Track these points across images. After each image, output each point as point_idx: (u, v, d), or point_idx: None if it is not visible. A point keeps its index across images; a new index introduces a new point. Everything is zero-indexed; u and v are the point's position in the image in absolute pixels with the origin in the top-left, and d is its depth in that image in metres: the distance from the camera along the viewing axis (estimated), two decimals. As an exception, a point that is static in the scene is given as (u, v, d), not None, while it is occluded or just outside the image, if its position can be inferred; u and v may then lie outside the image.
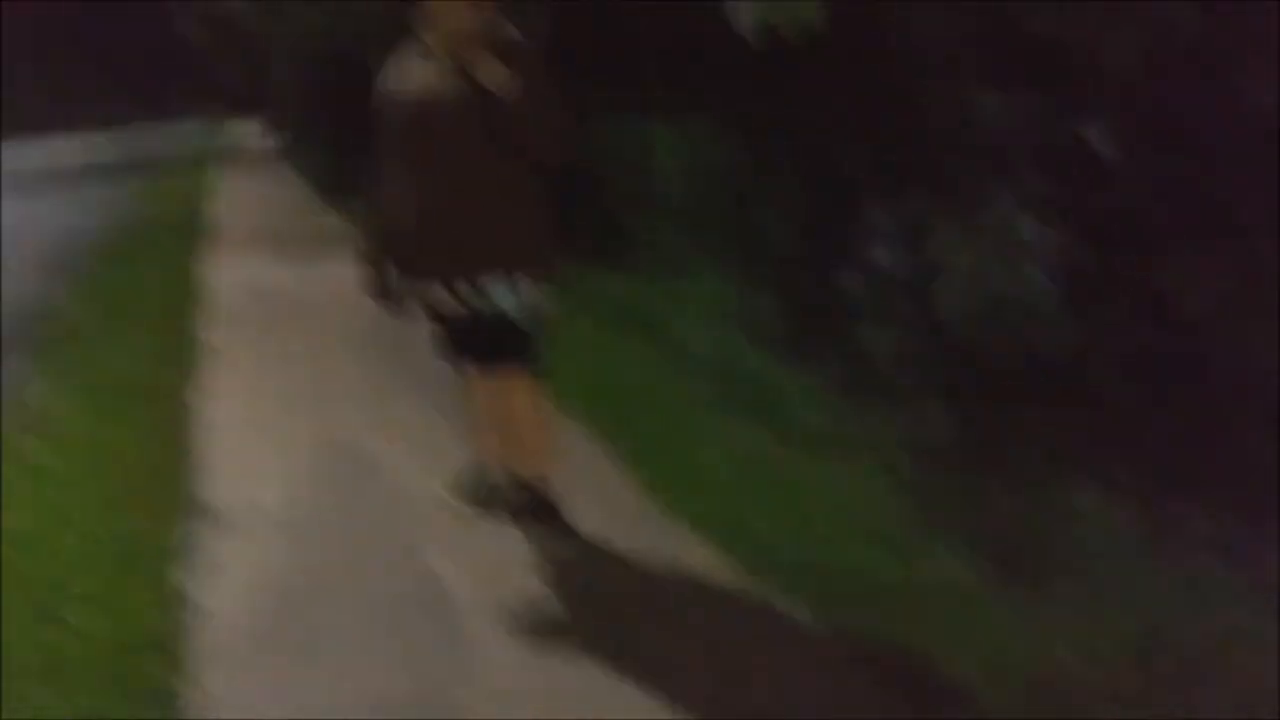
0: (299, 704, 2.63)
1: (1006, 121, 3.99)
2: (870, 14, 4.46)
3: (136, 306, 7.26)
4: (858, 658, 2.73)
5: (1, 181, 18.61)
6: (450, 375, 3.53)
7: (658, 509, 3.65)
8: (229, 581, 3.28)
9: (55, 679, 2.79)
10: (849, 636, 2.82)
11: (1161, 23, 3.32)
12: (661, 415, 4.65)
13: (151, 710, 2.64)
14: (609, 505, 3.66)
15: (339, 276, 6.46)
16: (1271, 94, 3.11)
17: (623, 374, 5.35)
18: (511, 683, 2.69)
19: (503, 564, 3.29)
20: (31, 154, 26.86)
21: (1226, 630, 2.72)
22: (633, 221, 6.80)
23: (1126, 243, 3.60)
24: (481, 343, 3.26)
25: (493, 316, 3.18)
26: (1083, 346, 3.68)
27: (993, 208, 3.97)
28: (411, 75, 3.19)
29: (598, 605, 3.04)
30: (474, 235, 3.14)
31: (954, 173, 4.22)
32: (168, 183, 17.88)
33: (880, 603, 2.97)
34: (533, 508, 3.45)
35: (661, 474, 3.91)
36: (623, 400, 4.85)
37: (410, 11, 3.19)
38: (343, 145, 12.77)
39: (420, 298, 3.31)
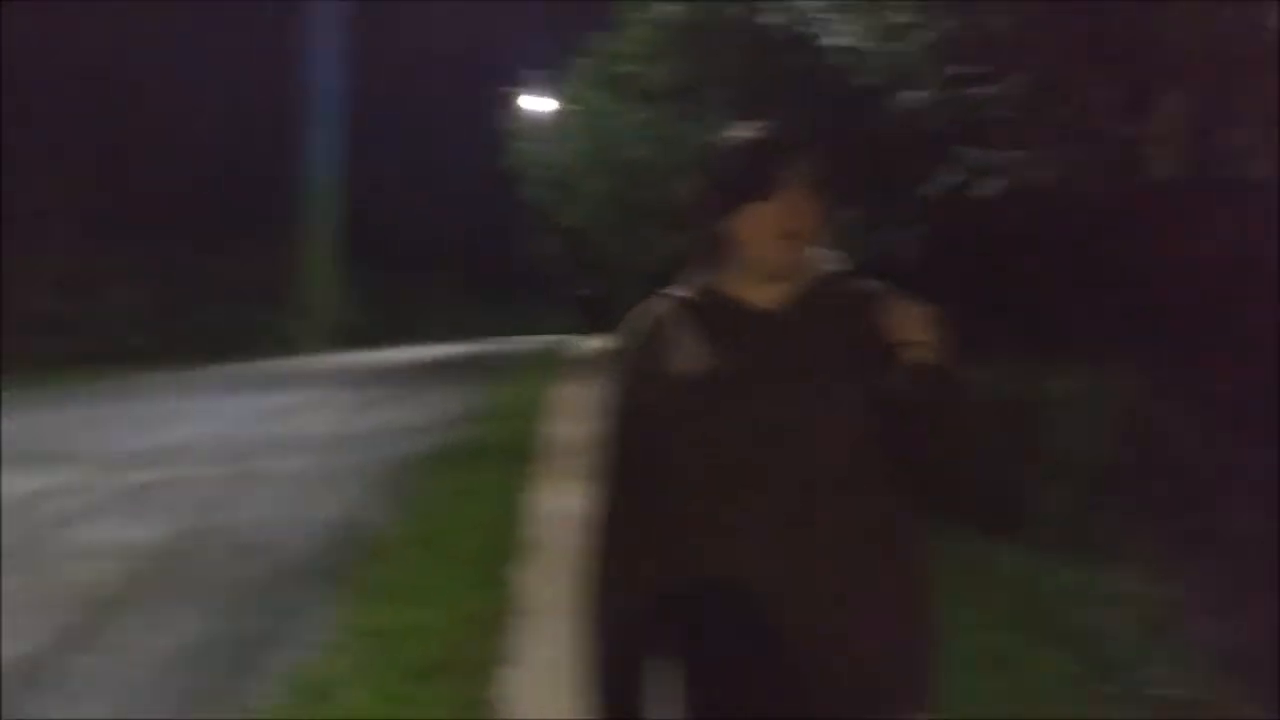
0: None
1: None
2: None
3: (453, 546, 6.64)
4: None
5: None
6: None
7: None
8: None
9: None
10: None
11: None
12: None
13: None
14: None
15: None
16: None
17: (1031, 697, 4.02)
18: None
19: None
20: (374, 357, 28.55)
21: None
22: (1033, 487, 5.57)
23: None
24: None
25: None
26: None
27: None
28: (718, 338, 1.84)
29: None
30: (842, 633, 1.71)
31: None
32: (509, 393, 18.10)
33: None
34: None
35: None
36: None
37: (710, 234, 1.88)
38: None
39: None
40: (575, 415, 13.51)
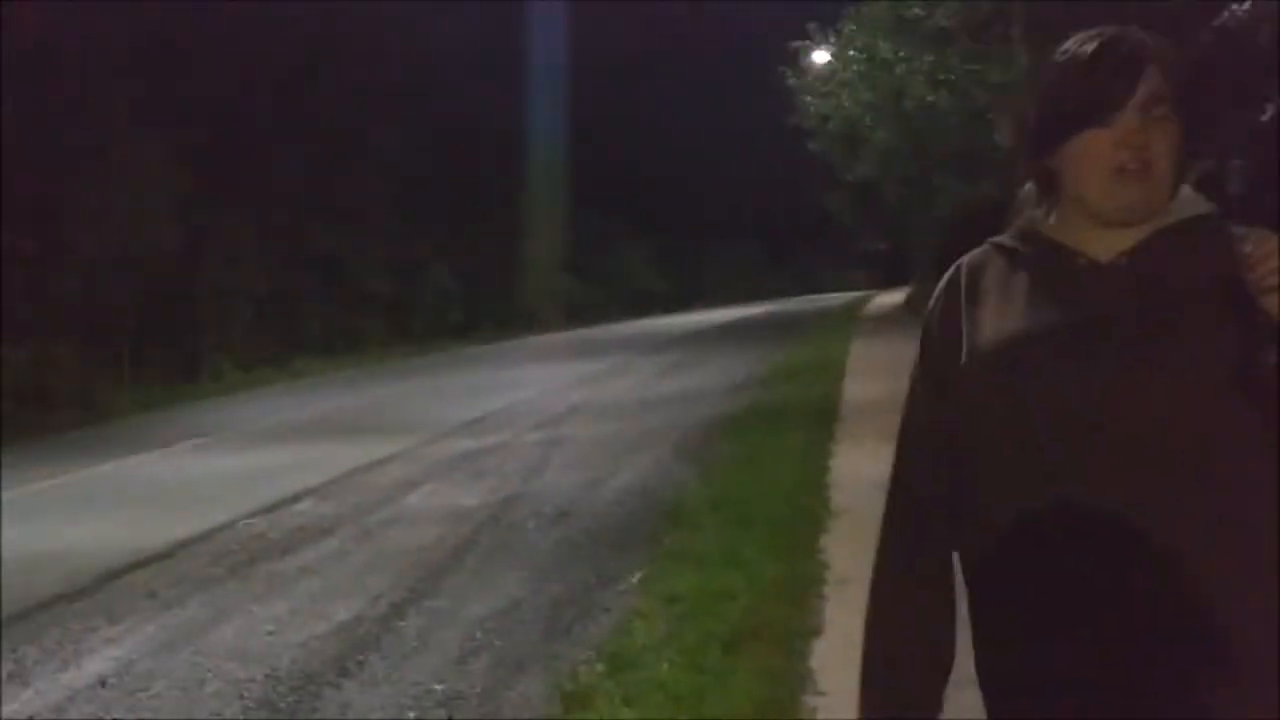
0: None
1: None
2: None
3: (756, 511, 6.57)
4: None
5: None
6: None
7: None
8: None
9: None
10: None
11: None
12: None
13: None
14: None
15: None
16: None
17: None
18: None
19: None
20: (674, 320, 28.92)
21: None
22: None
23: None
24: None
25: None
26: None
27: None
28: (1043, 296, 1.51)
29: None
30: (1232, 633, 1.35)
31: None
32: (806, 353, 17.89)
33: None
34: None
35: None
36: None
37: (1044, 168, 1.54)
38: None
39: None
40: (876, 374, 13.16)
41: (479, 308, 33.82)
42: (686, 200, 44.46)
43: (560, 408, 13.33)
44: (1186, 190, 1.50)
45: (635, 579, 5.52)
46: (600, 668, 4.20)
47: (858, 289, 38.68)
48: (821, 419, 10.33)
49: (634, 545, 6.27)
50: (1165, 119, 1.43)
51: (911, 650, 1.53)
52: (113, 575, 6.68)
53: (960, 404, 1.50)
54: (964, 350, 1.50)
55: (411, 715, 4.14)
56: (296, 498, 8.71)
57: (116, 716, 4.44)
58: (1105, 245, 1.47)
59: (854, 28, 20.48)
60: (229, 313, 25.57)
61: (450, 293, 33.62)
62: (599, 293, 38.93)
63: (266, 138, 27.47)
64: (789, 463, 8.22)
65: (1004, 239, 1.59)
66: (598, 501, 7.66)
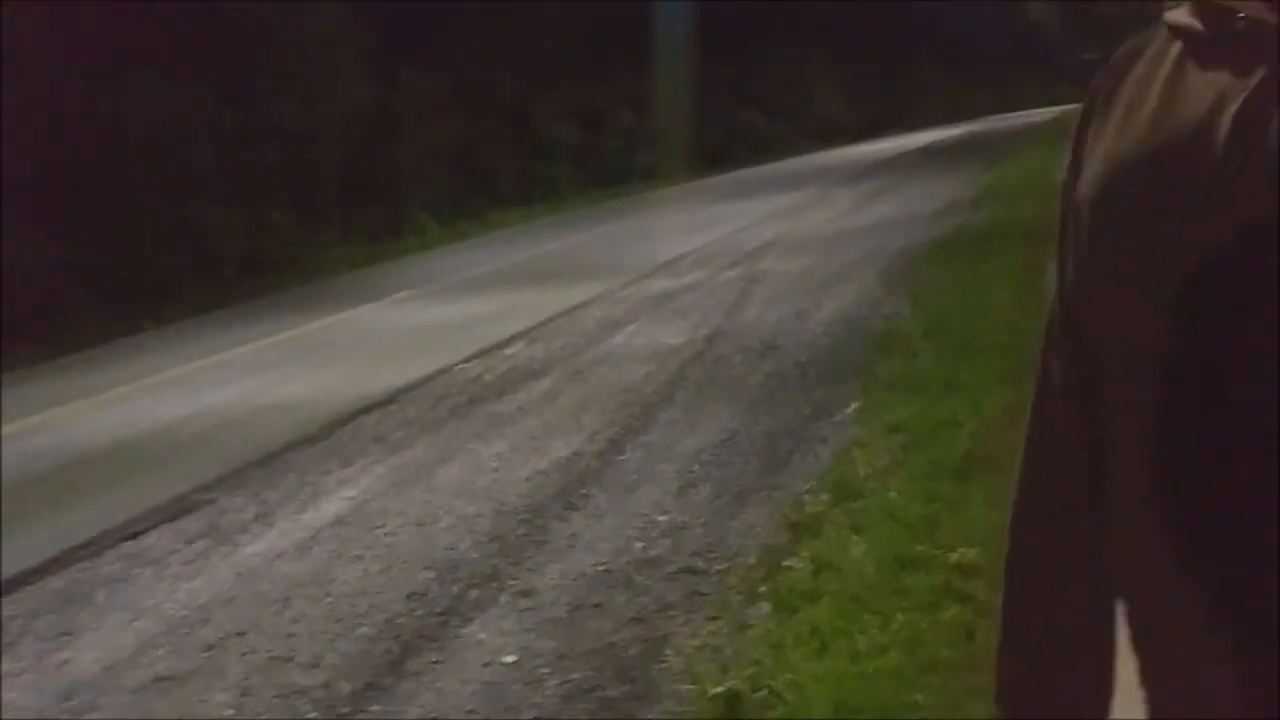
0: None
1: None
2: None
3: (971, 337, 6.30)
4: None
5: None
6: None
7: None
8: None
9: None
10: None
11: None
12: None
13: None
14: None
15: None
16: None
17: None
18: None
19: None
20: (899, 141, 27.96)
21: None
22: None
23: None
24: None
25: None
26: None
27: None
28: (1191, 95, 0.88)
29: None
30: None
31: None
32: (1014, 173, 17.03)
33: None
34: None
35: None
36: None
37: None
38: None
39: None
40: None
41: (665, 149, 33.53)
42: (877, 24, 42.51)
43: (757, 243, 13.12)
44: None
45: (851, 409, 5.40)
46: (825, 497, 4.13)
47: (1071, 102, 36.48)
48: (1035, 239, 9.81)
49: (846, 376, 6.13)
50: None
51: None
52: (341, 421, 6.96)
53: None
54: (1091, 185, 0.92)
55: (639, 545, 4.18)
56: (506, 342, 8.87)
57: (357, 552, 4.66)
58: None
59: None
60: (425, 168, 26.12)
61: (636, 135, 33.39)
62: (787, 125, 38.01)
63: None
64: (1003, 286, 7.85)
65: (1178, 14, 0.97)
66: (804, 334, 7.52)
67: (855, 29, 40.85)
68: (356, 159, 23.66)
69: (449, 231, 23.46)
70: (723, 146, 34.67)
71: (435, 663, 3.52)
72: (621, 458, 5.31)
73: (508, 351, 8.55)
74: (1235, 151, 0.84)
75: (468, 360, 8.33)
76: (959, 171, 19.32)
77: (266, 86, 21.19)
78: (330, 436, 6.68)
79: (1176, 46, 0.96)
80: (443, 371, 8.05)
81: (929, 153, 26.14)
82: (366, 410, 7.18)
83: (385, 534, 4.82)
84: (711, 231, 15.00)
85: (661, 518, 4.40)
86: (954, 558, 3.39)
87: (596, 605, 3.72)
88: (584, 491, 4.88)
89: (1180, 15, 0.97)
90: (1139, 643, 0.83)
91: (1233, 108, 0.85)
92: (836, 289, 9.09)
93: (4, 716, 3.56)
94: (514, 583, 4.02)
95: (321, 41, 21.80)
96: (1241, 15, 0.88)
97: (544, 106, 31.22)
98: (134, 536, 5.10)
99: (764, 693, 2.94)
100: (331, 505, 5.32)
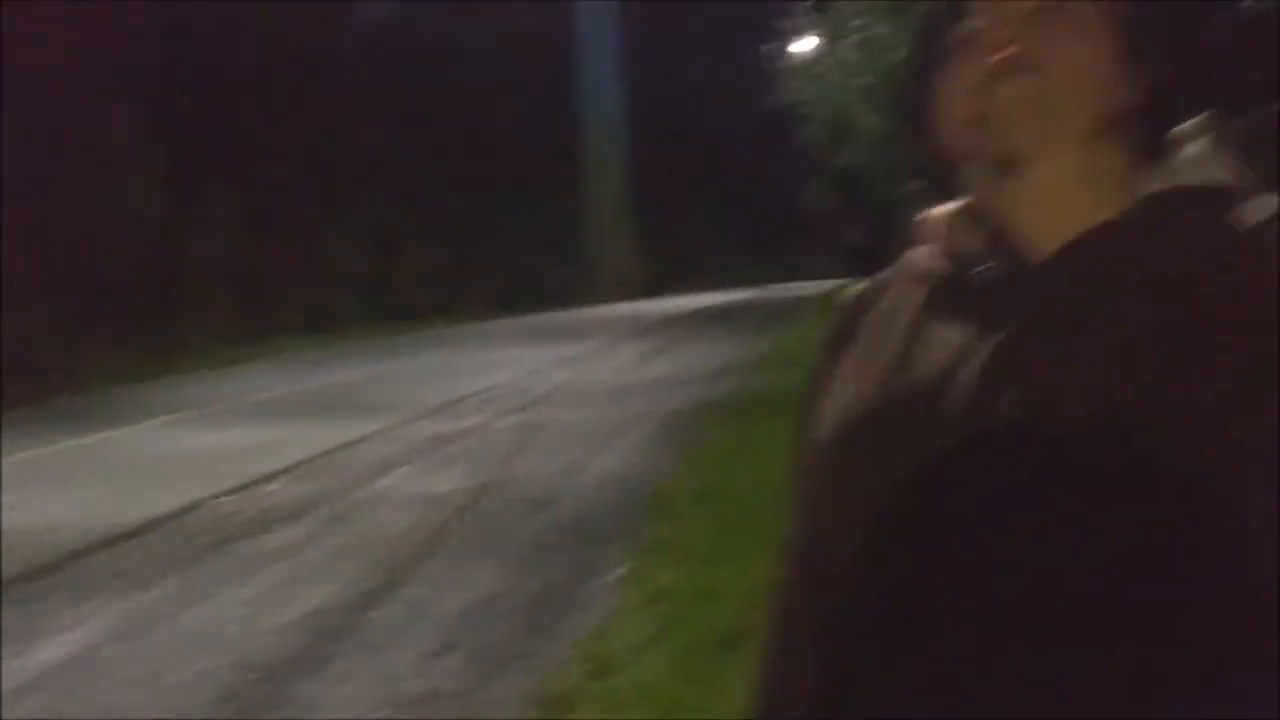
0: None
1: None
2: None
3: (741, 502, 6.39)
4: None
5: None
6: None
7: None
8: None
9: None
10: None
11: None
12: None
13: None
14: None
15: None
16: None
17: None
18: None
19: None
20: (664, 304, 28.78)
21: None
22: None
23: None
24: None
25: None
26: None
27: None
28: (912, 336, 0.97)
29: None
30: None
31: None
32: (787, 341, 17.77)
33: None
34: None
35: None
36: None
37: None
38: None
39: None
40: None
41: (459, 287, 33.57)
42: (676, 185, 44.30)
43: (541, 390, 13.15)
44: (1196, 149, 0.92)
45: (617, 574, 5.34)
46: (583, 669, 4.02)
47: (840, 278, 38.67)
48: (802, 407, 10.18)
49: (616, 537, 6.09)
50: (1062, 9, 0.88)
51: None
52: (84, 552, 6.49)
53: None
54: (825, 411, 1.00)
55: (383, 714, 3.96)
56: (271, 477, 8.51)
57: (77, 705, 4.25)
58: (1042, 231, 0.88)
59: (846, 8, 20.20)
60: (211, 286, 25.27)
61: (431, 270, 33.34)
62: (580, 276, 38.77)
63: (251, 113, 27.10)
64: (775, 450, 8.04)
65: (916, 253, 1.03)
66: (578, 489, 7.48)
67: (649, 194, 42.38)
68: (140, 270, 22.71)
69: (230, 354, 22.60)
70: (515, 291, 34.98)
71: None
72: (376, 614, 5.07)
73: (270, 487, 8.18)
74: (972, 412, 0.86)
75: (227, 494, 7.93)
76: (740, 334, 20.03)
77: (48, 186, 20.21)
78: (69, 569, 6.18)
79: (921, 290, 0.99)
80: (199, 505, 7.63)
81: (713, 314, 27.07)
82: (113, 542, 6.71)
83: (113, 684, 4.42)
84: (496, 374, 14.97)
85: (410, 685, 4.18)
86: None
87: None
88: (332, 650, 4.61)
89: (925, 258, 1.00)
90: None
91: (972, 366, 0.87)
92: (614, 444, 9.13)
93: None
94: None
95: (112, 146, 21.04)
96: (985, 266, 0.92)
97: (340, 234, 30.88)
98: None
99: None
100: (59, 648, 4.87)
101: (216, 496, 7.84)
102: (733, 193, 47.65)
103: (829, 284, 34.46)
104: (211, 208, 25.10)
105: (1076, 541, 0.80)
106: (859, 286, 1.13)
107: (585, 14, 41.08)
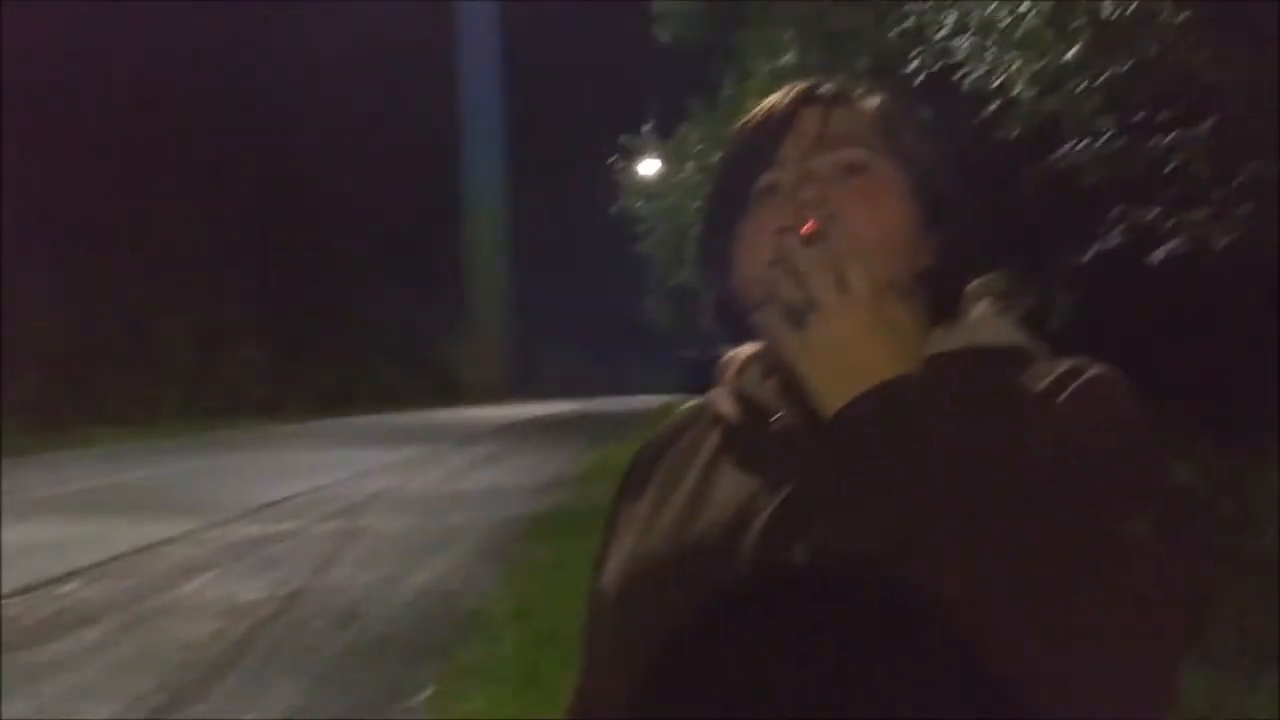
0: None
1: None
2: None
3: (557, 623, 6.34)
4: None
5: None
6: None
7: None
8: None
9: None
10: None
11: None
12: None
13: None
14: None
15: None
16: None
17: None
18: None
19: None
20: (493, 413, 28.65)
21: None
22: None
23: None
24: None
25: None
26: None
27: None
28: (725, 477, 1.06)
29: None
30: None
31: None
32: (616, 455, 17.85)
33: None
34: None
35: None
36: None
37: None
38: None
39: None
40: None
41: (288, 384, 32.71)
42: (518, 294, 44.62)
43: (362, 496, 12.86)
44: (985, 309, 0.99)
45: (424, 695, 5.22)
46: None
47: (675, 393, 39.25)
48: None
49: (427, 656, 5.95)
50: (865, 171, 0.96)
51: None
52: None
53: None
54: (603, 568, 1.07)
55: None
56: (64, 578, 8.05)
57: None
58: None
59: (686, 135, 20.91)
60: (18, 369, 23.99)
61: (255, 365, 32.42)
62: (413, 379, 38.33)
63: (78, 184, 26.20)
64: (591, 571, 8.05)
65: (717, 396, 1.10)
66: (392, 603, 7.31)
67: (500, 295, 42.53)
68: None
69: (35, 441, 21.38)
70: (345, 389, 34.31)
71: None
72: (161, 733, 4.82)
73: (62, 589, 7.74)
74: (757, 567, 0.91)
75: (16, 594, 7.46)
76: (569, 446, 20.05)
77: None
78: None
79: (718, 432, 1.05)
80: (-23, 607, 7.14)
81: (544, 424, 27.04)
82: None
83: None
84: (317, 477, 14.59)
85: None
86: None
87: None
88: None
89: (723, 403, 1.07)
90: None
91: (760, 521, 0.92)
92: (434, 556, 8.97)
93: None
94: None
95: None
96: (777, 417, 0.97)
97: (164, 322, 29.85)
98: None
99: None
100: None
101: (3, 597, 7.37)
102: (577, 304, 48.19)
103: (661, 399, 34.95)
104: (22, 285, 23.97)
105: (840, 669, 0.87)
106: (664, 426, 1.16)
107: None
